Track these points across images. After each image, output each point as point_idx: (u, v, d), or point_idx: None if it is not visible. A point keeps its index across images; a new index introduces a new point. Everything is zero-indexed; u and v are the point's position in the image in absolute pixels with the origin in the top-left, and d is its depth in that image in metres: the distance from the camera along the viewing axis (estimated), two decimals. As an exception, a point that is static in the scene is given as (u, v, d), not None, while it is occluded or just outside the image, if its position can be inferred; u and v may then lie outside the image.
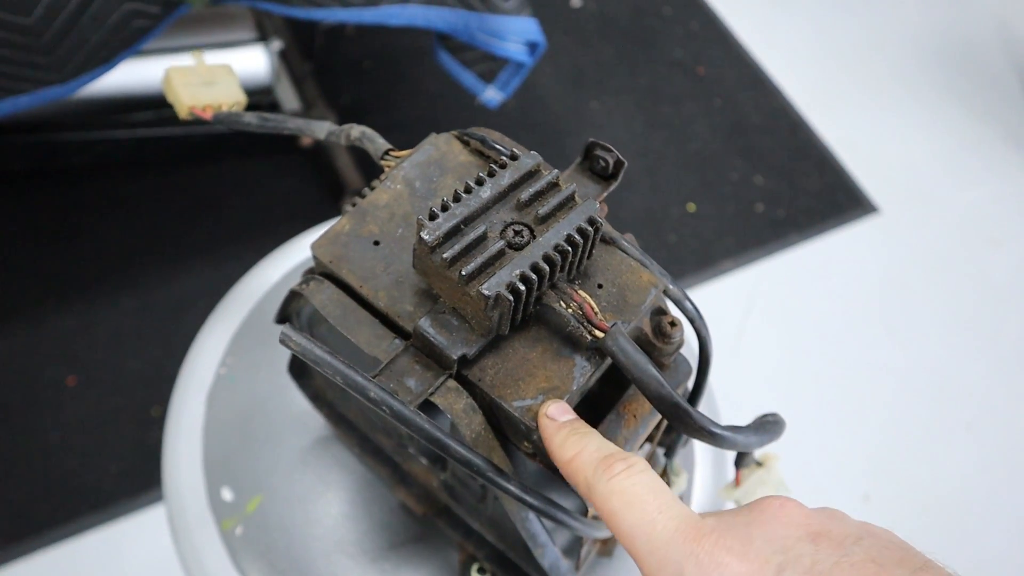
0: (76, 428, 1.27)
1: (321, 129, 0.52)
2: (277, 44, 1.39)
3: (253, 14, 1.39)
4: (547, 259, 0.37)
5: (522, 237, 0.38)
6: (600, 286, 0.41)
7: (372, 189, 0.45)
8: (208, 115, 0.57)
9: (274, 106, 1.46)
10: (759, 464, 0.57)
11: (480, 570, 0.56)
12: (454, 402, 0.38)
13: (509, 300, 0.35)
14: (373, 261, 0.41)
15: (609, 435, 0.41)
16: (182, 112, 0.57)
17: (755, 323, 1.51)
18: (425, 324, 0.37)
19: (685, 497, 0.62)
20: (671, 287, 0.43)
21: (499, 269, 0.36)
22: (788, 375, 1.47)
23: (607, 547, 0.55)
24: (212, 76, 0.58)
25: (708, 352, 0.46)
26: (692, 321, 0.44)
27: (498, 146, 0.44)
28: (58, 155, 1.38)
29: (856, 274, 1.59)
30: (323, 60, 1.62)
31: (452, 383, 0.38)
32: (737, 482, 0.56)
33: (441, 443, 0.36)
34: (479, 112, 1.51)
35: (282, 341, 0.36)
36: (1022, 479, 1.38)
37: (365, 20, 1.12)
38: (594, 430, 0.36)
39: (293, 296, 0.42)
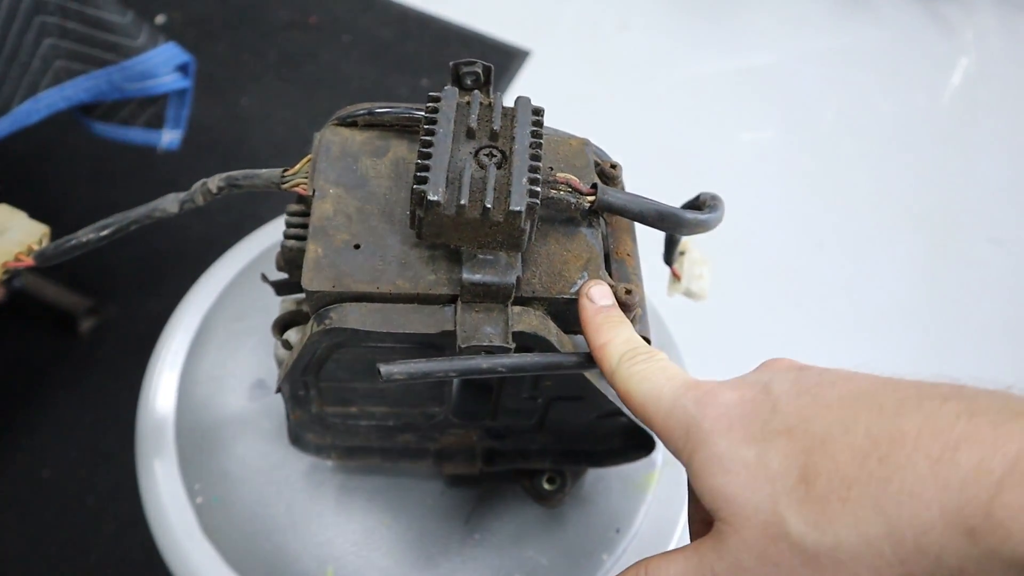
0: None
1: (171, 204, 0.48)
2: None
3: None
4: (534, 158, 0.39)
5: (496, 155, 0.40)
6: (551, 168, 0.44)
7: (295, 214, 0.43)
8: (29, 261, 0.50)
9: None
10: (681, 253, 0.64)
11: (550, 480, 0.59)
12: (530, 320, 0.40)
13: (536, 204, 0.37)
14: (369, 261, 0.40)
15: (623, 277, 0.45)
16: None
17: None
18: (469, 275, 0.38)
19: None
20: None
21: (509, 187, 0.38)
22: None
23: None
24: (-2, 222, 0.51)
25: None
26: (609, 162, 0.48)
27: (390, 107, 0.44)
28: None
29: (553, 107, 1.73)
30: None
31: (517, 308, 0.40)
32: (676, 275, 0.63)
33: (556, 364, 0.39)
34: (158, 163, 1.41)
35: (387, 379, 0.36)
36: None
37: (3, 132, 0.99)
38: (626, 320, 0.39)
39: (315, 342, 0.40)
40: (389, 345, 0.41)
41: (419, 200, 0.37)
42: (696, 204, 0.48)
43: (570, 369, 0.39)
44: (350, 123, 0.45)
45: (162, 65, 1.07)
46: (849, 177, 1.67)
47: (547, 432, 0.54)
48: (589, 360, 0.39)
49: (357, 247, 0.41)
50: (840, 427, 0.28)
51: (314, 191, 0.43)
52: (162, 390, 0.63)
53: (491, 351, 0.38)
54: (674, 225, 0.44)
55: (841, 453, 0.27)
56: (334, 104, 1.77)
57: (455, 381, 0.48)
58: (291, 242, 0.43)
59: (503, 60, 1.79)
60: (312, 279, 0.40)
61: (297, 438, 0.54)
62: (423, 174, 0.37)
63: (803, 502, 0.28)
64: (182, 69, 1.12)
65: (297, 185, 0.44)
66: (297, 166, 0.45)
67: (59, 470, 1.21)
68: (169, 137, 1.19)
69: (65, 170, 1.50)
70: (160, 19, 1.74)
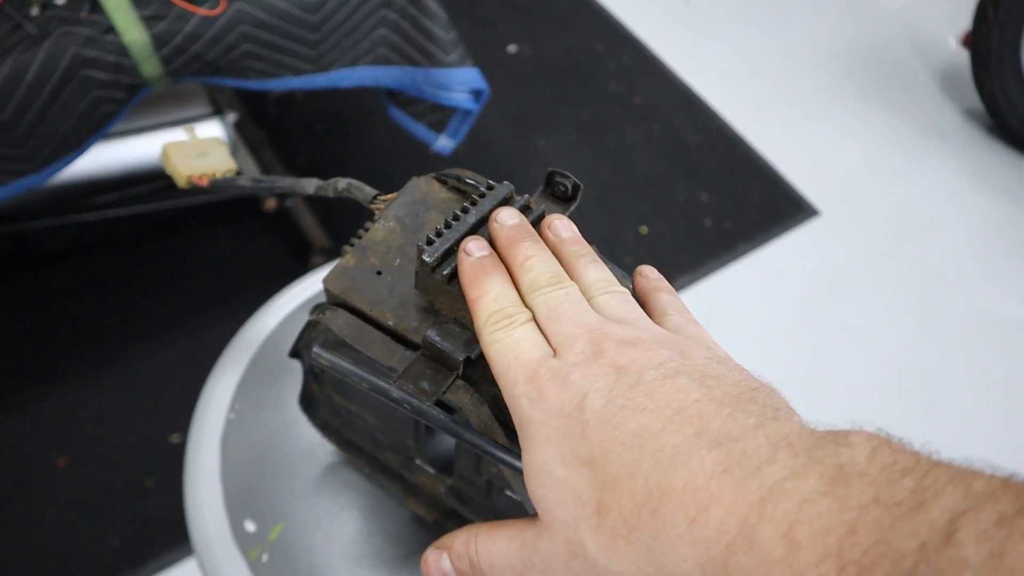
0: (71, 508, 1.29)
1: (309, 185, 0.58)
2: (232, 116, 1.45)
3: (206, 90, 1.45)
4: (528, 268, 0.43)
5: None
6: None
7: (366, 230, 0.51)
8: (204, 182, 0.62)
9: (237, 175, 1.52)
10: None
11: (492, 566, 0.61)
12: (463, 397, 0.43)
13: None
14: (378, 288, 0.47)
15: None
16: (181, 182, 0.63)
17: (715, 332, 1.59)
18: (432, 334, 0.43)
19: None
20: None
21: None
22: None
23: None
24: (204, 148, 0.64)
25: None
26: None
27: (472, 181, 0.50)
28: (31, 243, 1.41)
29: (806, 275, 1.69)
30: (276, 127, 1.69)
31: (460, 382, 0.44)
32: None
33: (455, 431, 0.41)
34: (431, 162, 1.59)
35: (314, 358, 0.42)
36: (992, 452, 1.46)
37: (318, 85, 1.19)
38: (502, 269, 0.41)
39: (310, 326, 0.48)
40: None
41: (418, 255, 0.43)
42: None
43: (470, 446, 0.42)
44: (442, 180, 0.52)
45: (458, 84, 1.22)
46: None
47: (497, 517, 0.57)
48: (499, 448, 0.42)
49: (379, 273, 0.47)
50: (627, 471, 0.32)
51: (380, 218, 0.50)
52: (267, 318, 0.74)
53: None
54: None
55: (625, 498, 0.31)
56: (611, 175, 1.88)
57: (423, 423, 0.53)
58: (347, 248, 0.51)
59: (788, 208, 1.77)
60: (331, 279, 0.47)
61: (309, 405, 0.61)
62: (433, 237, 0.43)
63: (596, 531, 0.32)
64: (476, 93, 1.27)
65: (378, 208, 0.52)
66: (389, 196, 0.52)
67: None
68: (443, 143, 1.34)
69: (362, 130, 1.74)
70: (512, 48, 1.95)
